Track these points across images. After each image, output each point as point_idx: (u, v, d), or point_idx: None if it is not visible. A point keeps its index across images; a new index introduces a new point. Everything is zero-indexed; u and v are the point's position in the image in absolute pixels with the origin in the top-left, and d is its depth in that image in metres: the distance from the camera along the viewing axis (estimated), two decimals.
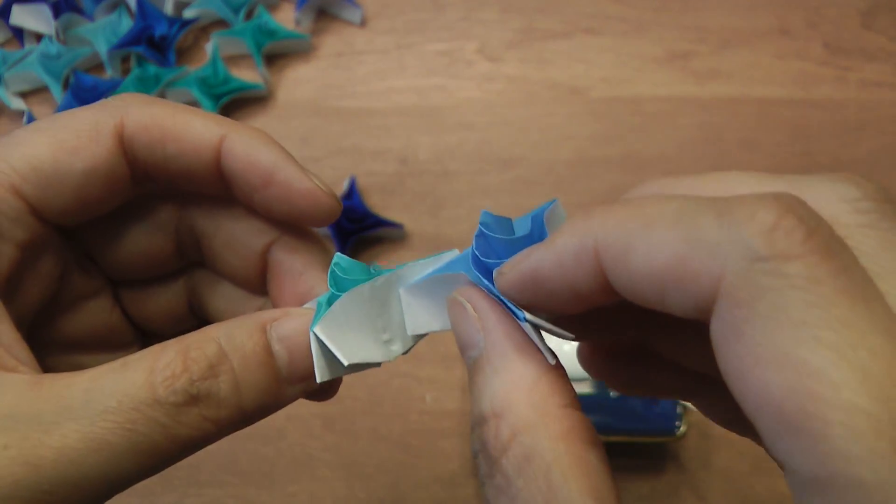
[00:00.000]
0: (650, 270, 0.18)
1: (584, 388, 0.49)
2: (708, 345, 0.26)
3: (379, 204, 0.62)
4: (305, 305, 0.28)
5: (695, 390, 0.29)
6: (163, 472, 0.24)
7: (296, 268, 0.29)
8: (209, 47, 0.68)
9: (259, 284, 0.31)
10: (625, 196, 0.24)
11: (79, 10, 0.69)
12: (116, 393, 0.23)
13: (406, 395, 0.56)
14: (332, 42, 0.70)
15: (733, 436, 0.29)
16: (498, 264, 0.24)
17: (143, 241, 0.30)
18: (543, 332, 0.23)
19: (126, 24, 0.67)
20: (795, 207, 0.17)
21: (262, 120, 0.66)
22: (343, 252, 0.57)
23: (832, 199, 0.20)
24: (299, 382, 0.26)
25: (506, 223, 0.26)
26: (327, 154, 0.65)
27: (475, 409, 0.22)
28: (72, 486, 0.22)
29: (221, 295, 0.32)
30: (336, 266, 0.27)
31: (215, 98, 0.65)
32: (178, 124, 0.27)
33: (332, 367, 0.26)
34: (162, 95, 0.65)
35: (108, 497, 0.23)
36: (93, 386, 0.23)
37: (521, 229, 0.25)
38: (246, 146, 0.27)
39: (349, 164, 0.64)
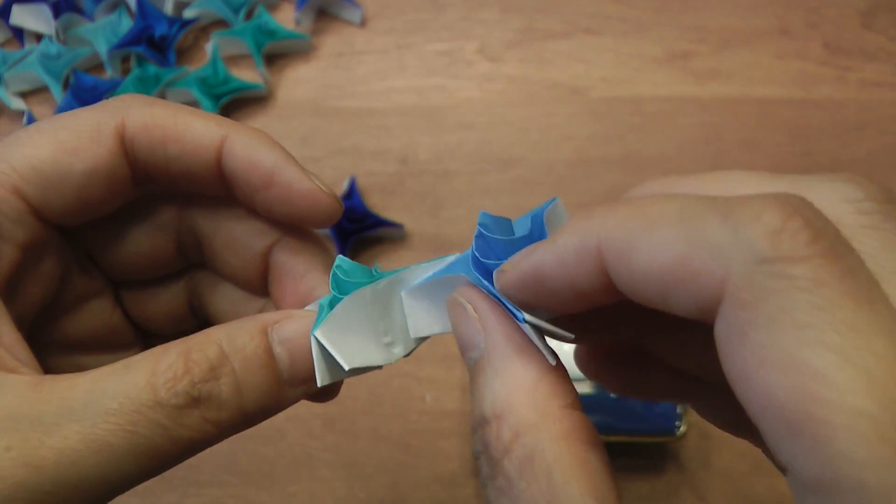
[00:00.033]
0: (653, 270, 0.18)
1: (584, 388, 0.49)
2: (704, 348, 0.26)
3: (379, 204, 0.62)
4: (307, 307, 0.28)
5: (691, 393, 0.29)
6: (163, 473, 0.24)
7: (297, 269, 0.29)
8: (209, 47, 0.68)
9: (260, 286, 0.31)
10: (625, 195, 0.24)
11: (79, 10, 0.69)
12: (118, 395, 0.23)
13: (406, 395, 0.56)
14: (332, 42, 0.70)
15: (733, 436, 0.29)
16: (497, 265, 0.23)
17: (144, 242, 0.30)
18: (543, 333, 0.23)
19: (126, 24, 0.67)
20: (801, 209, 0.17)
21: (262, 120, 0.66)
22: (343, 252, 0.57)
23: (834, 200, 0.19)
24: (301, 385, 0.26)
25: (505, 224, 0.26)
26: (327, 154, 0.65)
27: (476, 410, 0.22)
28: (73, 487, 0.22)
29: (222, 296, 0.32)
30: (338, 268, 0.27)
31: (215, 98, 0.65)
32: (179, 125, 0.27)
33: (332, 370, 0.26)
34: (162, 95, 0.65)
35: (110, 498, 0.23)
36: (94, 387, 0.23)
37: (521, 229, 0.25)
38: (247, 147, 0.27)
39: (349, 164, 0.64)
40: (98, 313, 0.30)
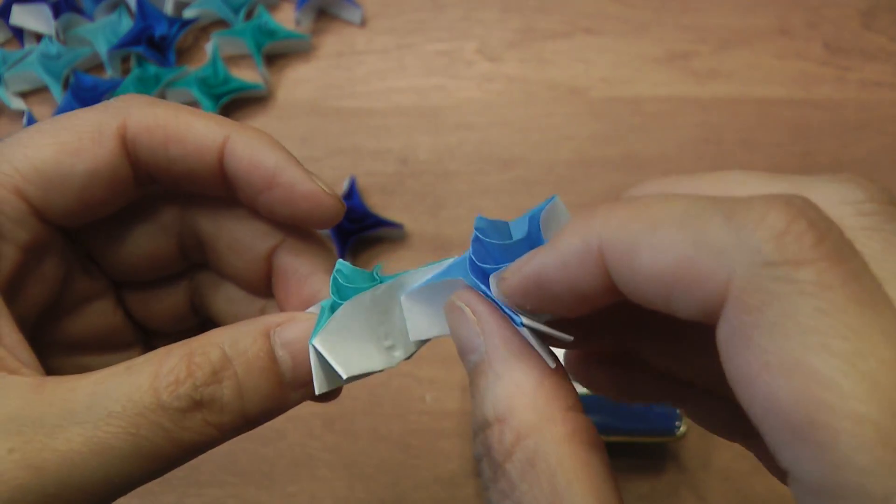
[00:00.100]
0: (656, 272, 0.18)
1: (583, 389, 0.49)
2: (696, 353, 0.26)
3: (379, 204, 0.62)
4: (309, 310, 0.28)
5: (681, 397, 0.29)
6: (164, 475, 0.24)
7: (301, 271, 0.29)
8: (209, 47, 0.68)
9: (263, 286, 0.31)
10: (624, 195, 0.24)
11: (79, 10, 0.68)
12: (121, 397, 0.23)
13: (406, 395, 0.56)
14: (332, 42, 0.70)
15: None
16: (495, 269, 0.23)
17: (146, 243, 0.30)
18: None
19: (126, 24, 0.67)
20: (806, 211, 0.17)
21: (262, 120, 0.66)
22: (343, 252, 0.57)
23: (835, 201, 0.19)
24: (302, 387, 0.26)
25: (502, 227, 0.26)
26: (327, 154, 0.65)
27: (477, 413, 0.22)
28: (75, 489, 0.22)
29: (225, 296, 0.32)
30: (338, 273, 0.27)
31: (215, 98, 0.65)
32: (180, 126, 0.27)
33: (330, 378, 0.26)
34: (162, 95, 0.65)
35: (112, 500, 0.23)
36: (97, 390, 0.23)
37: (518, 231, 0.25)
38: (249, 148, 0.27)
39: (349, 164, 0.64)
40: (100, 314, 0.30)
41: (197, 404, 0.24)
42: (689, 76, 0.68)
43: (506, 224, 0.26)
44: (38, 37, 0.69)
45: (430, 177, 0.64)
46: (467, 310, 0.24)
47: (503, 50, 0.69)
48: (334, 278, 0.27)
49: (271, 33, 0.67)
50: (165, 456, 0.23)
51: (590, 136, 0.65)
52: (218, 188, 0.28)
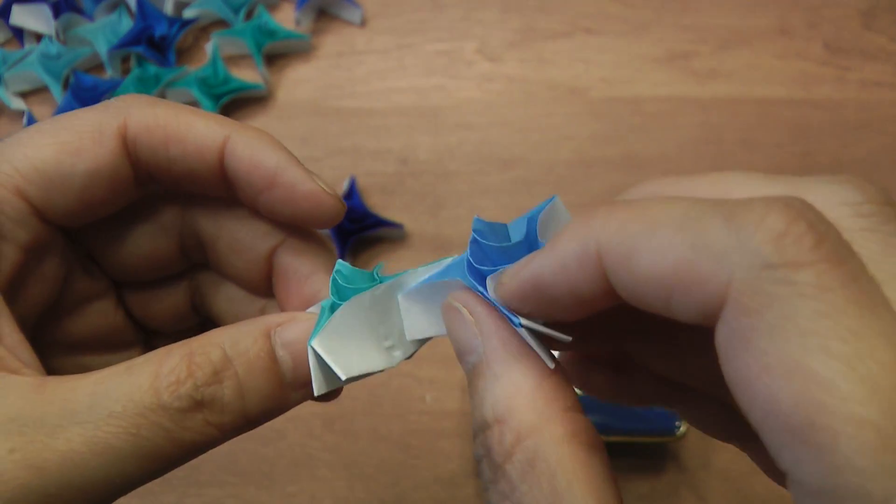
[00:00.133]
0: (655, 275, 0.18)
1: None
2: (690, 355, 0.26)
3: (379, 204, 0.62)
4: (309, 310, 0.28)
5: (676, 399, 0.29)
6: (165, 475, 0.24)
7: (302, 271, 0.29)
8: (209, 47, 0.68)
9: (264, 286, 0.31)
10: (623, 196, 0.24)
11: (79, 10, 0.68)
12: (121, 397, 0.23)
13: (406, 395, 0.56)
14: (332, 42, 0.70)
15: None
16: (492, 271, 0.23)
17: (147, 243, 0.30)
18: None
19: (126, 24, 0.67)
20: (805, 213, 0.17)
21: (262, 120, 0.66)
22: (343, 252, 0.57)
23: (833, 203, 0.19)
24: (303, 387, 0.26)
25: (500, 229, 0.26)
26: (327, 154, 0.65)
27: (477, 414, 0.22)
28: (76, 489, 0.22)
29: (225, 296, 0.32)
30: (338, 274, 0.27)
31: (215, 98, 0.65)
32: (181, 125, 0.27)
33: (329, 379, 0.26)
34: (162, 95, 0.65)
35: (112, 500, 0.23)
36: (97, 390, 0.23)
37: (517, 231, 0.25)
38: (249, 148, 0.27)
39: (349, 164, 0.64)
40: (100, 314, 0.30)
41: (198, 404, 0.24)
42: (689, 76, 0.68)
43: (504, 226, 0.26)
44: (38, 37, 0.69)
45: (430, 177, 0.64)
46: (465, 311, 0.24)
47: (503, 50, 0.69)
48: (334, 279, 0.27)
49: (271, 33, 0.67)
50: (166, 456, 0.23)
51: (590, 136, 0.65)
52: (218, 188, 0.28)
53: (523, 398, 0.21)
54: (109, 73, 0.67)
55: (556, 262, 0.20)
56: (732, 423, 0.27)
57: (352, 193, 0.61)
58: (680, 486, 0.53)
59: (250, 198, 0.28)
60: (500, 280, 0.23)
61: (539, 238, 0.24)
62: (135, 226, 0.30)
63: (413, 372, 0.56)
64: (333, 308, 0.26)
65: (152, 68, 0.65)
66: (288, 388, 0.26)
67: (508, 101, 0.67)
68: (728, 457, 0.53)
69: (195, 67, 0.67)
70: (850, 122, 0.66)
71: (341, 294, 0.26)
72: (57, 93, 0.65)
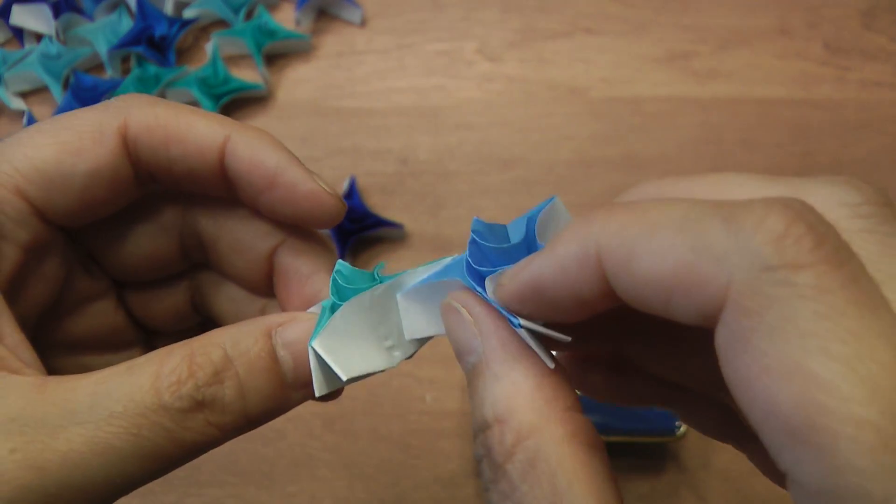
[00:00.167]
0: (655, 277, 0.18)
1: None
2: (687, 356, 0.26)
3: (379, 204, 0.62)
4: (310, 310, 0.28)
5: (672, 399, 0.29)
6: (166, 475, 0.24)
7: (303, 271, 0.29)
8: (209, 47, 0.68)
9: (264, 286, 0.30)
10: (622, 197, 0.24)
11: (79, 10, 0.68)
12: (122, 398, 0.23)
13: (406, 395, 0.56)
14: (332, 42, 0.70)
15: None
16: (491, 272, 0.23)
17: (147, 242, 0.30)
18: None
19: (126, 24, 0.67)
20: (804, 214, 0.17)
21: (262, 120, 0.66)
22: (343, 252, 0.57)
23: (832, 204, 0.19)
24: (304, 388, 0.26)
25: (499, 230, 0.26)
26: (327, 154, 0.65)
27: (477, 414, 0.22)
28: (77, 489, 0.22)
29: (226, 296, 0.32)
30: (338, 274, 0.27)
31: (215, 98, 0.65)
32: (181, 125, 0.27)
33: (330, 380, 0.26)
34: (162, 95, 0.65)
35: (113, 500, 0.23)
36: (98, 390, 0.23)
37: (516, 231, 0.25)
38: (250, 148, 0.27)
39: (349, 164, 0.64)
40: (101, 314, 0.30)
41: (198, 404, 0.24)
42: (689, 76, 0.68)
43: (503, 227, 0.26)
44: (39, 37, 0.69)
45: (430, 177, 0.64)
46: (464, 311, 0.24)
47: (503, 50, 0.69)
48: (334, 279, 0.27)
49: (271, 33, 0.67)
50: (167, 456, 0.23)
51: (590, 136, 0.65)
52: (219, 188, 0.28)
53: (523, 398, 0.21)
54: (109, 73, 0.67)
55: (556, 264, 0.20)
56: (729, 424, 0.27)
57: (352, 193, 0.61)
58: (680, 486, 0.53)
59: (251, 198, 0.28)
60: (499, 282, 0.23)
61: (539, 239, 0.24)
62: (135, 226, 0.30)
63: (413, 372, 0.56)
64: (334, 308, 0.26)
65: (152, 68, 0.65)
66: (289, 389, 0.26)
67: (508, 101, 0.67)
68: (728, 457, 0.53)
69: (195, 67, 0.67)
70: (850, 122, 0.66)
71: (341, 294, 0.26)
72: (57, 93, 0.65)
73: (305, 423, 0.55)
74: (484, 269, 0.24)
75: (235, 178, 0.27)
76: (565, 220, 0.26)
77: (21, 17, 0.67)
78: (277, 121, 0.66)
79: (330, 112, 0.66)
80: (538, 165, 0.64)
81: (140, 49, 0.65)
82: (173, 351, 0.24)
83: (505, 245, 0.24)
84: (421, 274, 0.27)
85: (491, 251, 0.24)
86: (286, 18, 0.70)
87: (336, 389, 0.27)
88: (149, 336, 0.33)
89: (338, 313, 0.26)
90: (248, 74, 0.68)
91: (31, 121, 0.65)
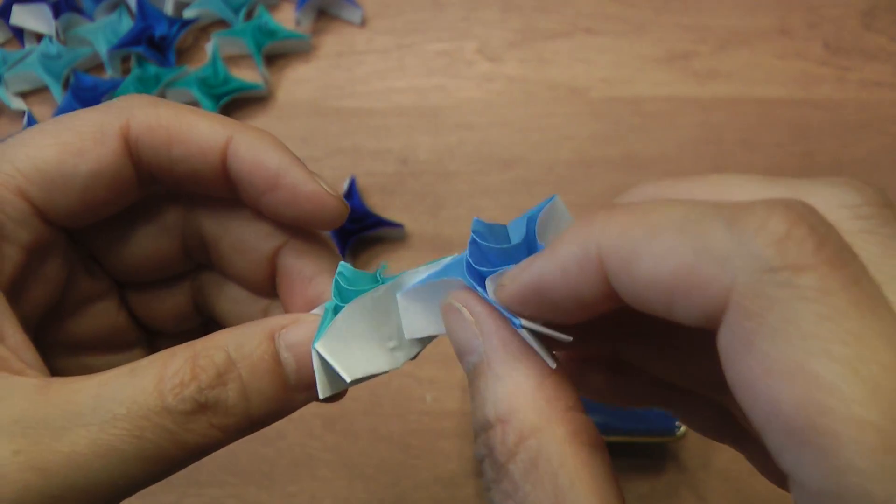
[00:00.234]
0: (657, 279, 0.18)
1: None
2: (685, 357, 0.26)
3: (379, 204, 0.62)
4: (313, 311, 0.28)
5: (669, 399, 0.29)
6: (168, 477, 0.24)
7: (305, 272, 0.29)
8: (209, 47, 0.68)
9: (267, 287, 0.30)
10: (622, 197, 0.24)
11: (79, 10, 0.69)
12: (125, 400, 0.23)
13: (406, 395, 0.56)
14: (332, 42, 0.70)
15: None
16: (491, 272, 0.23)
17: (149, 243, 0.30)
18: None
19: (126, 24, 0.67)
20: (806, 216, 0.17)
21: (262, 120, 0.66)
22: (343, 252, 0.57)
23: (833, 205, 0.19)
24: (307, 390, 0.26)
25: (499, 230, 0.26)
26: (327, 154, 0.65)
27: (478, 414, 0.22)
28: (80, 491, 0.22)
29: (228, 296, 0.32)
30: (340, 276, 0.27)
31: (215, 98, 0.65)
32: (183, 126, 0.27)
33: (334, 382, 0.26)
34: (162, 95, 0.65)
35: (116, 502, 0.23)
36: (102, 392, 0.23)
37: (516, 233, 0.25)
38: (252, 149, 0.27)
39: (349, 164, 0.64)
40: (103, 314, 0.30)
41: (202, 407, 0.24)
42: (689, 76, 0.68)
43: (503, 227, 0.26)
44: (39, 37, 0.69)
45: (430, 177, 0.64)
46: (465, 311, 0.24)
47: (503, 50, 0.69)
48: (336, 281, 0.27)
49: (271, 33, 0.67)
50: (169, 458, 0.23)
51: (590, 136, 0.65)
52: (221, 189, 0.28)
53: (525, 398, 0.21)
54: (109, 73, 0.67)
55: (557, 265, 0.20)
56: (728, 425, 0.27)
57: (352, 193, 0.61)
58: (680, 486, 0.53)
59: (253, 199, 0.28)
60: (500, 283, 0.23)
61: (539, 239, 0.24)
62: (137, 226, 0.30)
63: (413, 372, 0.56)
64: (336, 310, 0.26)
65: (152, 68, 0.65)
66: (292, 391, 0.26)
67: (508, 101, 0.67)
68: (728, 457, 0.53)
69: (195, 67, 0.67)
70: (850, 122, 0.66)
71: (343, 296, 0.26)
72: (57, 93, 0.65)
73: (306, 423, 0.55)
74: (484, 269, 0.24)
75: (237, 179, 0.27)
76: (566, 220, 0.26)
77: (21, 17, 0.67)
78: (277, 121, 0.66)
79: (330, 112, 0.66)
80: (538, 165, 0.64)
81: (140, 49, 0.65)
82: (176, 353, 0.24)
83: (505, 246, 0.24)
84: (421, 274, 0.27)
85: (491, 251, 0.24)
86: (286, 18, 0.70)
87: (340, 391, 0.27)
88: (151, 337, 0.33)
89: (340, 315, 0.26)
90: (248, 74, 0.68)
91: (32, 121, 0.65)
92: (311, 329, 0.26)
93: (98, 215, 0.28)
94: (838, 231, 0.17)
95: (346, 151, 0.65)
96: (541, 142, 0.65)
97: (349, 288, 0.26)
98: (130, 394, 0.23)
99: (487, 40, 0.70)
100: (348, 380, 0.25)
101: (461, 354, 0.24)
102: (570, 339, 0.22)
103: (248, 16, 0.69)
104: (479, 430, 0.22)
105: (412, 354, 0.27)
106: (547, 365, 0.22)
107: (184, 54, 0.69)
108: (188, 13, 0.69)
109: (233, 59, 0.69)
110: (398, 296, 0.27)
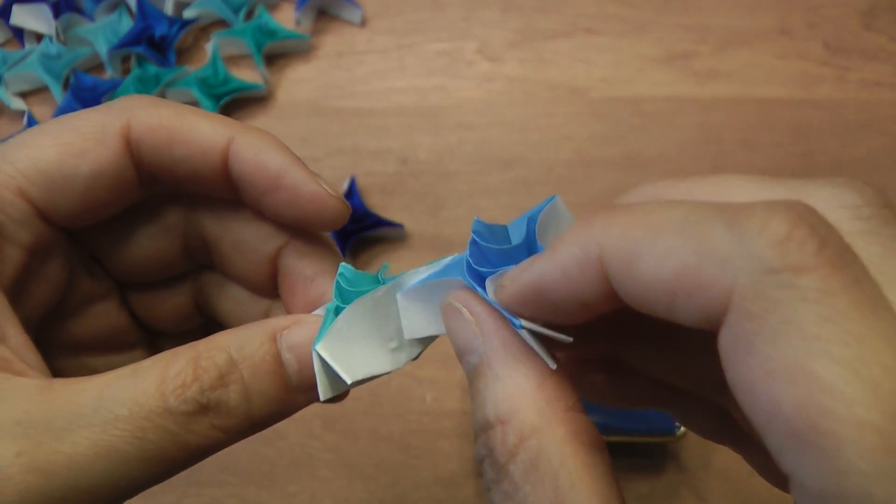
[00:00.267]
0: (658, 280, 0.18)
1: None
2: (684, 358, 0.26)
3: (379, 204, 0.62)
4: (315, 312, 0.28)
5: (667, 400, 0.29)
6: (170, 478, 0.24)
7: (307, 273, 0.29)
8: (209, 47, 0.68)
9: (268, 287, 0.30)
10: (622, 198, 0.24)
11: (79, 10, 0.69)
12: (127, 401, 0.23)
13: (406, 395, 0.56)
14: (332, 42, 0.70)
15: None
16: (491, 273, 0.23)
17: (151, 244, 0.30)
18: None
19: (126, 24, 0.67)
20: (807, 217, 0.17)
21: (262, 120, 0.66)
22: (343, 252, 0.57)
23: (833, 206, 0.19)
24: (309, 391, 0.26)
25: (499, 231, 0.26)
26: (327, 154, 0.65)
27: (479, 415, 0.22)
28: (82, 492, 0.22)
29: (230, 297, 0.32)
30: (341, 277, 0.27)
31: (215, 98, 0.65)
32: (184, 127, 0.27)
33: (335, 383, 0.26)
34: (162, 95, 0.65)
35: (117, 503, 0.23)
36: (103, 393, 0.23)
37: (516, 233, 0.25)
38: (253, 149, 0.27)
39: (349, 164, 0.64)
40: (104, 315, 0.30)
41: (203, 408, 0.24)
42: (689, 76, 0.68)
43: (503, 227, 0.26)
44: (39, 37, 0.69)
45: (430, 177, 0.64)
46: (465, 311, 0.24)
47: (503, 50, 0.69)
48: (337, 282, 0.27)
49: (271, 33, 0.67)
50: (171, 459, 0.23)
51: (590, 136, 0.65)
52: (222, 189, 0.28)
53: (525, 398, 0.21)
54: (109, 73, 0.67)
55: (557, 266, 0.20)
56: (727, 427, 0.27)
57: (352, 193, 0.61)
58: (680, 486, 0.53)
59: (254, 199, 0.28)
60: (500, 283, 0.23)
61: (540, 239, 0.24)
62: (138, 227, 0.30)
63: (413, 372, 0.56)
64: (337, 311, 0.26)
65: (152, 68, 0.65)
66: (294, 392, 0.26)
67: (508, 101, 0.67)
68: (728, 457, 0.53)
69: (195, 67, 0.67)
70: (850, 122, 0.66)
71: (344, 297, 0.26)
72: (57, 93, 0.65)
73: (306, 423, 0.55)
74: (484, 269, 0.24)
75: (239, 180, 0.27)
76: (566, 220, 0.26)
77: (21, 17, 0.67)
78: (277, 121, 0.66)
79: (330, 112, 0.66)
80: (538, 165, 0.64)
81: (140, 49, 0.65)
82: (178, 354, 0.24)
83: (505, 246, 0.24)
84: (421, 274, 0.27)
85: (491, 252, 0.24)
86: (286, 18, 0.70)
87: (341, 392, 0.27)
88: (152, 337, 0.33)
89: (341, 316, 0.26)
90: (248, 74, 0.68)
91: (32, 121, 0.65)
92: (313, 330, 0.26)
93: (99, 216, 0.28)
94: (839, 232, 0.17)
95: (346, 151, 0.65)
96: (541, 142, 0.65)
97: (350, 289, 0.26)
98: (132, 395, 0.23)
99: (487, 40, 0.70)
100: (349, 381, 0.25)
101: (461, 354, 0.24)
102: (571, 339, 0.22)
103: (248, 16, 0.69)
104: (480, 430, 0.22)
105: (413, 355, 0.27)
106: (547, 365, 0.22)
107: (184, 54, 0.69)
108: (188, 13, 0.69)
109: (233, 59, 0.69)
110: (398, 296, 0.27)
